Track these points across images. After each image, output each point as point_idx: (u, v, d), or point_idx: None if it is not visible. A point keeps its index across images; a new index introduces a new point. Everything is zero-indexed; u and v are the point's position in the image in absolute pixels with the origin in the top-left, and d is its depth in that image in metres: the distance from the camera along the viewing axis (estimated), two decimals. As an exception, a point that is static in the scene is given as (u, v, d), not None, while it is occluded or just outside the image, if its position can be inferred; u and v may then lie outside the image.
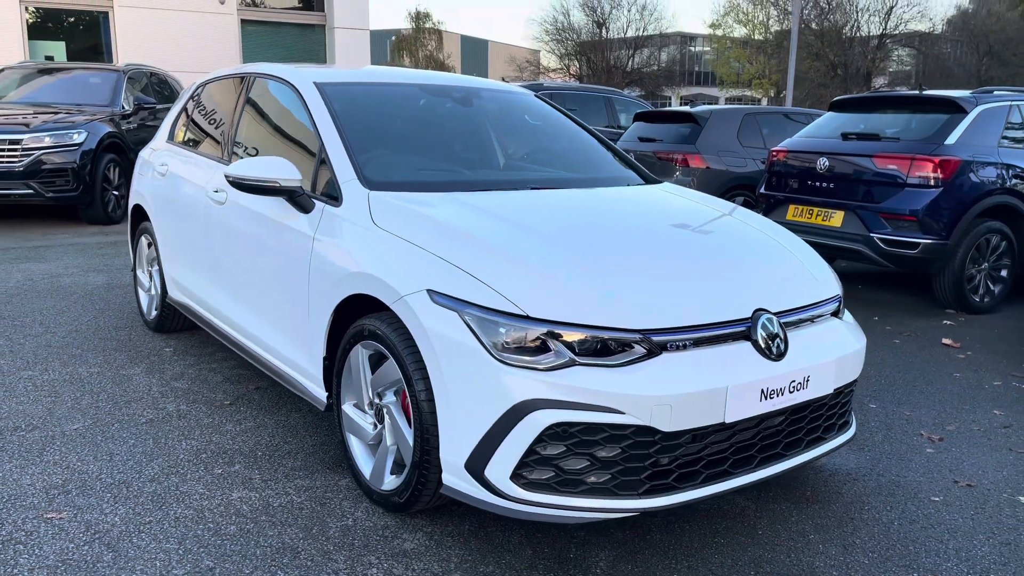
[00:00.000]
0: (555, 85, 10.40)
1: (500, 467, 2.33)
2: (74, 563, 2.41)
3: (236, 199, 3.55)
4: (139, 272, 4.97)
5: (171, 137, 4.74)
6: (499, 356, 2.32)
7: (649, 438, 2.32)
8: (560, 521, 2.36)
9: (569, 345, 2.32)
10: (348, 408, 2.92)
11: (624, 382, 2.29)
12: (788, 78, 18.74)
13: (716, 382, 2.37)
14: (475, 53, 73.48)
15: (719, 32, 48.78)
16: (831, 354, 2.70)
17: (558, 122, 4.19)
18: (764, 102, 46.84)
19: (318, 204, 3.09)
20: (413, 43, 57.24)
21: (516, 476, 2.33)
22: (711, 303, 2.54)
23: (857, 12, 38.34)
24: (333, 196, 3.05)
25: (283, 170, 3.08)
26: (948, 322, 5.75)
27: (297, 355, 3.17)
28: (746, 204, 7.87)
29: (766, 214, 6.78)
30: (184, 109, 4.74)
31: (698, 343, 2.44)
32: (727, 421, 2.40)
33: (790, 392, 2.56)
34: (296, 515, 2.74)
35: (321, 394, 3.04)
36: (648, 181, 3.85)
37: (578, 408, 2.27)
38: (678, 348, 2.40)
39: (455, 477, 2.44)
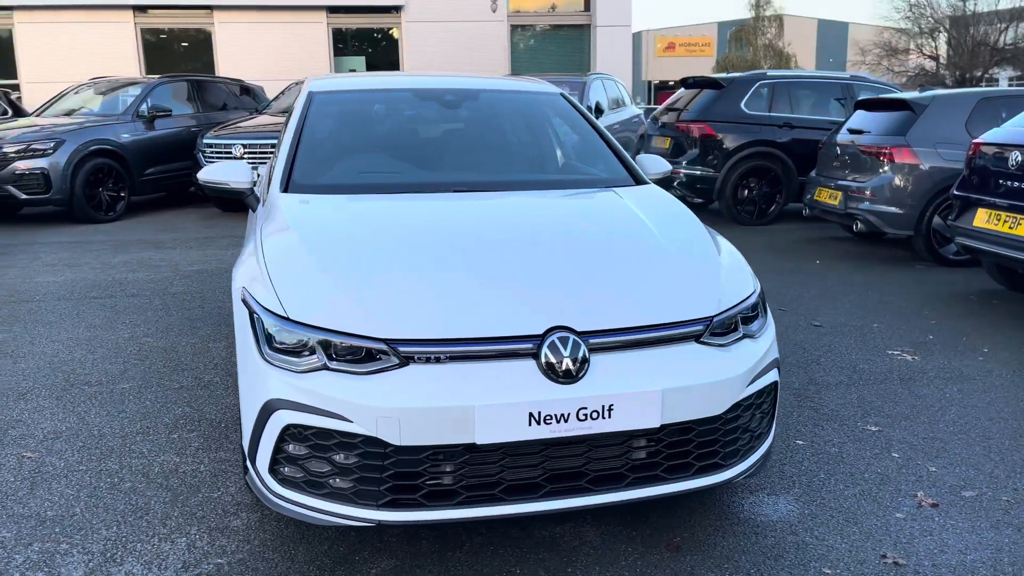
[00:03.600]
0: (780, 74, 9.56)
1: (262, 461, 2.46)
2: (-2, 493, 3.01)
3: None
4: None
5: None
6: (267, 355, 2.43)
7: (380, 449, 2.28)
8: (308, 520, 2.41)
9: (326, 350, 2.36)
10: (251, 392, 3.20)
11: (358, 391, 2.28)
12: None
13: (460, 400, 2.26)
14: (834, 37, 68.68)
15: None
16: (655, 384, 2.38)
17: (563, 122, 4.03)
18: None
19: (259, 204, 3.40)
20: (752, 32, 55.17)
21: (273, 471, 2.44)
22: (496, 318, 2.40)
23: None
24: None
25: (236, 174, 3.45)
26: None
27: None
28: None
29: (956, 219, 5.73)
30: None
31: (458, 357, 2.32)
32: (479, 442, 2.27)
33: (580, 420, 2.32)
34: (185, 482, 3.09)
35: (251, 377, 3.36)
36: (639, 184, 3.61)
37: (311, 412, 2.32)
38: (429, 361, 2.32)
39: (249, 465, 2.60)
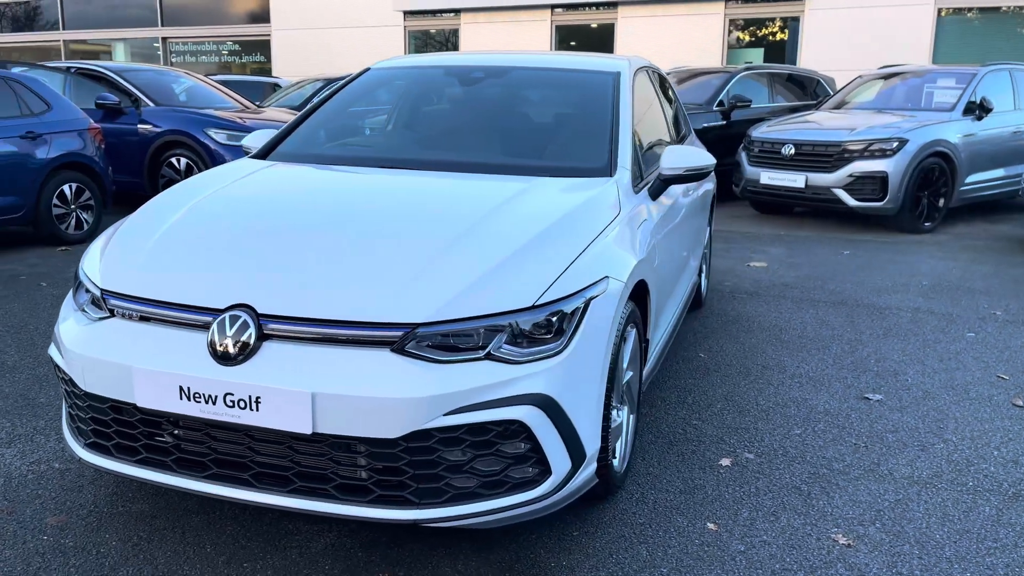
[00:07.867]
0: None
1: (64, 391, 2.73)
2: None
3: None
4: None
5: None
6: (75, 295, 2.70)
7: (76, 391, 2.41)
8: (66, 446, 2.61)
9: (92, 296, 2.54)
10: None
11: (73, 334, 2.46)
12: None
13: (124, 358, 2.28)
14: None
15: None
16: (307, 385, 2.10)
17: (593, 105, 3.48)
18: None
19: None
20: None
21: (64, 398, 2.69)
22: (196, 288, 2.35)
23: None
24: (262, 160, 3.58)
25: (256, 140, 3.74)
26: None
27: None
28: None
29: None
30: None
31: (146, 318, 2.34)
32: (138, 404, 2.26)
33: (228, 407, 2.18)
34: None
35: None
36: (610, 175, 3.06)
37: (55, 346, 2.55)
38: (124, 316, 2.37)
39: None
